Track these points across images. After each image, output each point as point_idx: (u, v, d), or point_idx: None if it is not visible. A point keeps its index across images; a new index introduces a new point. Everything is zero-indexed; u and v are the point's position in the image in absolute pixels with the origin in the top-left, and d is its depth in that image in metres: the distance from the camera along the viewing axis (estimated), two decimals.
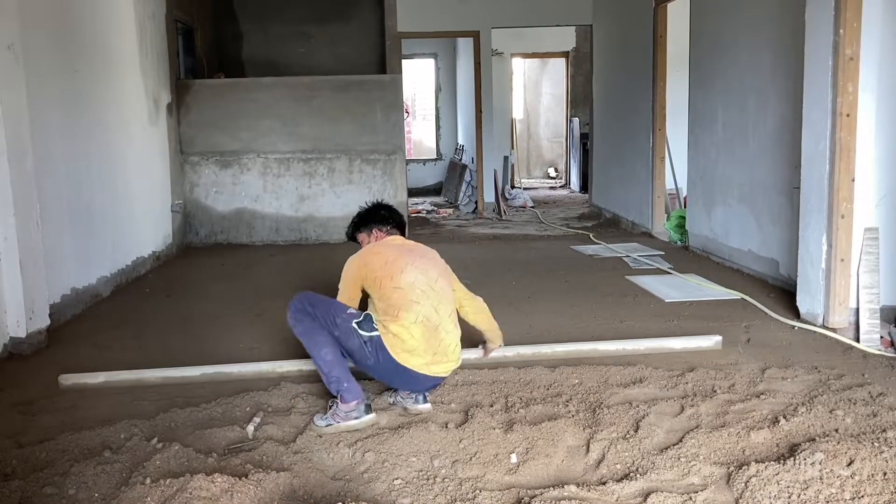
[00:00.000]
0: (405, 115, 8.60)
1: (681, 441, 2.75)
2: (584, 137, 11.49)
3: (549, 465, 2.64)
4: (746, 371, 3.52)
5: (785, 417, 2.90)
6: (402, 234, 3.49)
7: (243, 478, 2.46)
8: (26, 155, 4.14)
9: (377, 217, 3.46)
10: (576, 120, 12.76)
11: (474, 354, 3.71)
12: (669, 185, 7.93)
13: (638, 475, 2.51)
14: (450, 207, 10.87)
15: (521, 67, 14.79)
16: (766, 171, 5.32)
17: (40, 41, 4.63)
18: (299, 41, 9.42)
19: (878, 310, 4.03)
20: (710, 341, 3.91)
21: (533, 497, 2.36)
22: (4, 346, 4.03)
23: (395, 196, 7.90)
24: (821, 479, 2.40)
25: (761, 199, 5.42)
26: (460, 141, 12.95)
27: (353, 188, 7.86)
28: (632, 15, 7.96)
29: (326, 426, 2.93)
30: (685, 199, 7.22)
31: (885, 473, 2.42)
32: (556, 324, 4.43)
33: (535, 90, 15.29)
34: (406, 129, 10.19)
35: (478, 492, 2.46)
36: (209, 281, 6.07)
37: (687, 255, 6.51)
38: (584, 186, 11.72)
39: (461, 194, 10.83)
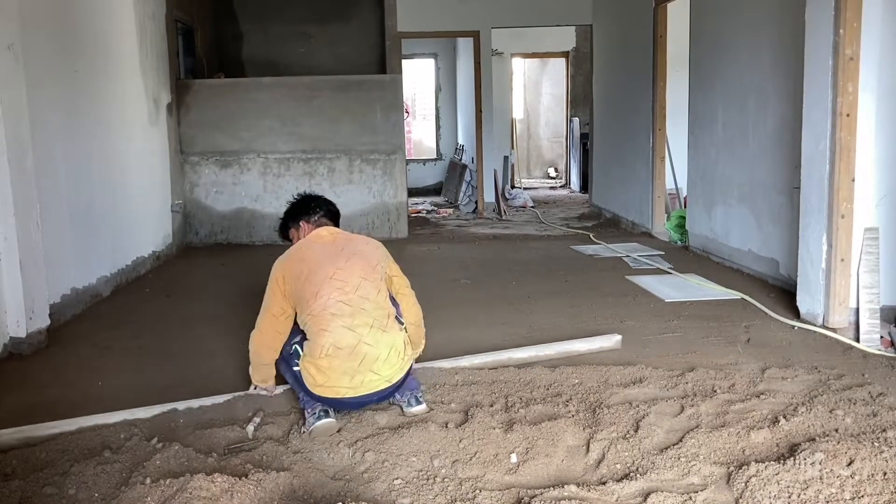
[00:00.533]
0: (405, 115, 8.60)
1: (681, 441, 2.74)
2: (584, 137, 11.49)
3: (549, 465, 2.64)
4: (746, 371, 3.52)
5: (785, 417, 2.90)
6: (335, 222, 3.35)
7: (243, 478, 2.46)
8: (26, 155, 4.14)
9: (303, 209, 3.32)
10: (576, 120, 12.76)
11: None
12: (669, 185, 7.93)
13: (638, 475, 2.51)
14: (450, 207, 10.87)
15: (521, 67, 14.79)
16: (766, 171, 5.32)
17: (40, 41, 4.63)
18: (299, 41, 9.42)
19: (878, 310, 4.03)
20: (611, 341, 3.93)
21: (533, 497, 2.36)
22: (4, 346, 4.03)
23: (395, 196, 7.91)
24: (821, 479, 2.40)
25: (761, 199, 5.42)
26: (460, 141, 12.95)
27: (353, 188, 7.86)
28: (632, 15, 7.96)
29: (303, 433, 2.93)
30: (685, 199, 7.22)
31: (885, 473, 2.42)
32: (556, 323, 4.43)
33: (535, 90, 15.30)
34: (406, 129, 10.19)
35: (478, 492, 2.45)
36: (209, 281, 6.07)
37: (687, 255, 6.51)
38: (584, 186, 11.72)
39: (461, 194, 10.83)
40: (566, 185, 13.67)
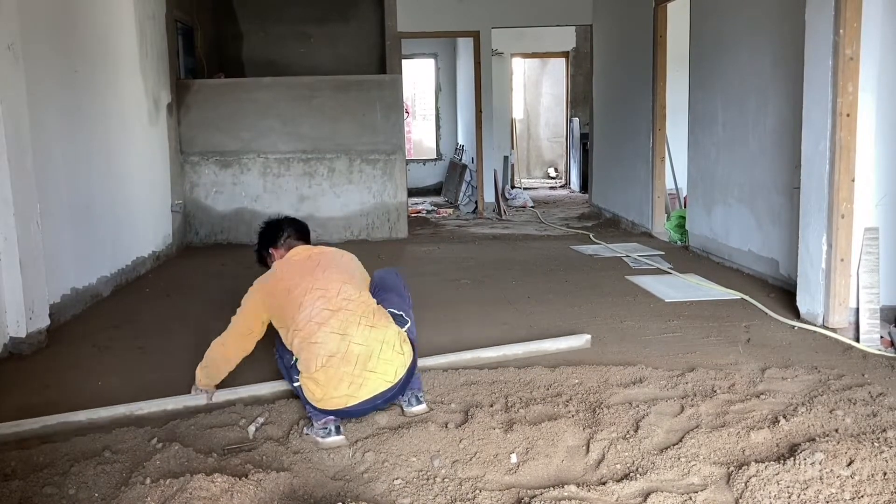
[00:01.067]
0: (405, 115, 8.60)
1: (681, 441, 2.75)
2: (584, 137, 11.49)
3: (549, 465, 2.64)
4: (746, 371, 3.52)
5: (785, 417, 2.90)
6: (304, 238, 3.38)
7: (243, 478, 2.46)
8: (26, 155, 4.14)
9: (268, 238, 3.38)
10: (576, 120, 12.76)
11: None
12: (669, 185, 7.93)
13: (638, 475, 2.51)
14: (450, 207, 10.87)
15: (521, 67, 14.79)
16: (766, 171, 5.32)
17: (40, 41, 4.63)
18: (299, 41, 9.42)
19: (878, 310, 4.03)
20: (581, 340, 3.95)
21: (533, 497, 2.36)
22: (4, 346, 4.03)
23: (395, 196, 7.91)
24: (821, 479, 2.40)
25: (761, 199, 5.42)
26: (460, 141, 12.95)
27: (353, 188, 7.87)
28: (632, 15, 7.96)
29: (306, 435, 2.91)
30: (685, 199, 7.22)
31: (885, 473, 2.42)
32: (556, 324, 4.42)
33: (535, 90, 15.30)
34: (406, 129, 10.19)
35: (478, 492, 2.45)
36: (209, 281, 6.07)
37: (687, 255, 6.51)
38: (584, 186, 11.72)
39: (461, 194, 10.83)
40: (566, 185, 13.67)
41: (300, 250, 3.25)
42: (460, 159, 12.06)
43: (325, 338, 2.91)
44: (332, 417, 2.89)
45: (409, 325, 3.16)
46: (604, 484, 2.46)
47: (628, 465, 2.61)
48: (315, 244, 3.39)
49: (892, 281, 4.17)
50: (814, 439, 2.68)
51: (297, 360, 2.99)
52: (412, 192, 11.47)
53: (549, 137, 15.19)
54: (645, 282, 5.47)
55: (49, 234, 4.50)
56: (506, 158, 11.61)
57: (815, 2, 4.09)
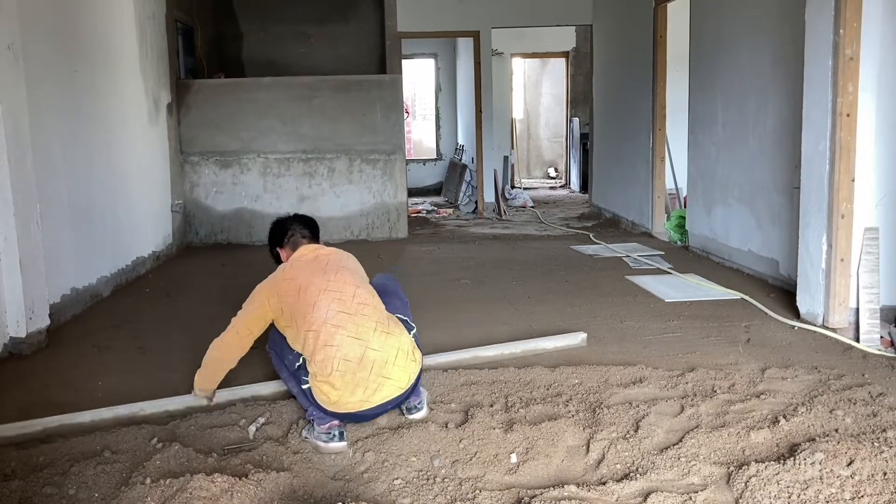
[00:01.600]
0: (405, 115, 8.60)
1: (681, 441, 2.75)
2: (584, 137, 11.49)
3: (549, 465, 2.64)
4: (746, 371, 3.52)
5: (785, 417, 2.90)
6: (313, 232, 3.35)
7: (243, 478, 2.47)
8: (26, 155, 4.14)
9: (275, 238, 3.34)
10: (576, 120, 12.76)
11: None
12: (669, 185, 7.93)
13: (638, 475, 2.51)
14: (450, 207, 10.87)
15: (521, 67, 14.79)
16: (766, 171, 5.32)
17: (40, 41, 4.63)
18: (299, 41, 9.42)
19: (878, 310, 4.03)
20: (577, 339, 3.98)
21: (533, 497, 2.36)
22: (4, 346, 4.03)
23: (395, 196, 7.91)
24: (821, 479, 2.40)
25: (761, 199, 5.42)
26: (460, 141, 12.95)
27: (353, 188, 7.87)
28: (632, 15, 7.96)
29: (305, 438, 2.90)
30: (685, 199, 7.22)
31: (885, 473, 2.42)
32: (556, 324, 4.42)
33: (535, 90, 15.29)
34: (406, 129, 10.19)
35: (478, 492, 2.46)
36: (209, 281, 6.07)
37: (687, 255, 6.52)
38: (584, 186, 11.72)
39: (461, 194, 10.83)
40: (566, 185, 13.67)
41: (306, 250, 3.22)
42: (460, 159, 12.06)
43: (343, 341, 2.88)
44: (336, 422, 2.87)
45: (414, 330, 3.17)
46: (604, 484, 2.47)
47: (628, 465, 2.61)
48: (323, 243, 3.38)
49: (892, 281, 4.17)
50: (814, 439, 2.69)
51: (304, 362, 2.96)
52: (412, 192, 11.47)
53: (549, 137, 15.19)
54: (645, 282, 5.48)
55: (49, 233, 4.50)
56: (506, 158, 11.61)
57: (815, 2, 4.08)
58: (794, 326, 4.26)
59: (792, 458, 2.51)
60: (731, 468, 2.53)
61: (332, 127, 7.79)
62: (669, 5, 7.15)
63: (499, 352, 3.80)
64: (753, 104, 5.47)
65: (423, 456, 2.71)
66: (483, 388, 3.36)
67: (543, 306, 4.86)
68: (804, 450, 2.56)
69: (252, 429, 2.95)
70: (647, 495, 2.37)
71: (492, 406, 3.13)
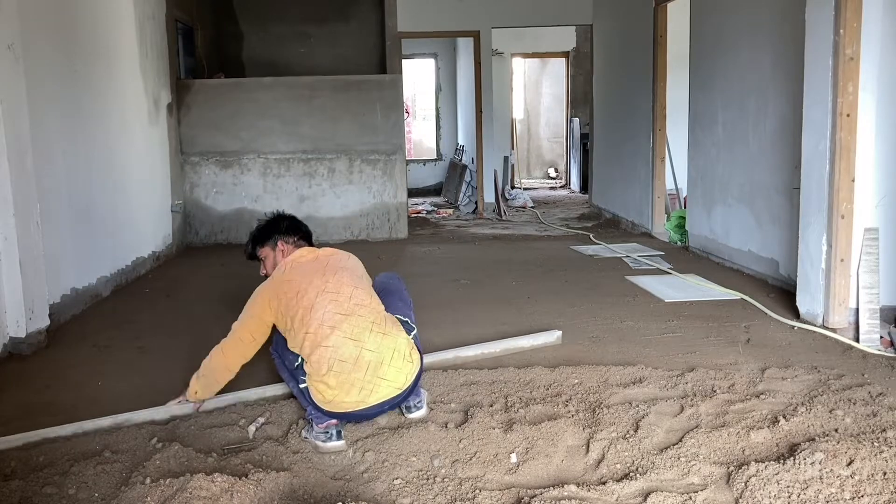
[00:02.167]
0: (405, 115, 8.61)
1: (681, 441, 2.75)
2: (584, 137, 11.49)
3: (548, 465, 2.64)
4: (746, 371, 3.52)
5: (785, 417, 2.90)
6: (310, 243, 3.33)
7: (243, 477, 2.47)
8: (26, 155, 4.14)
9: (281, 228, 3.29)
10: (576, 120, 12.76)
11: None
12: (669, 185, 7.93)
13: (638, 475, 2.51)
14: (450, 207, 10.88)
15: (521, 67, 14.79)
16: (766, 171, 5.32)
17: (40, 41, 4.63)
18: (299, 41, 9.43)
19: (877, 310, 4.03)
20: (552, 336, 4.02)
21: (533, 497, 2.36)
22: (4, 347, 4.03)
23: (395, 196, 7.91)
24: (821, 478, 2.40)
25: (761, 199, 5.42)
26: (460, 141, 12.95)
27: (353, 188, 7.87)
28: (632, 15, 7.97)
29: (304, 438, 2.90)
30: (685, 199, 7.22)
31: (885, 473, 2.42)
32: (556, 324, 4.42)
33: (535, 90, 15.30)
34: (406, 129, 10.19)
35: (478, 492, 2.46)
36: (209, 281, 6.07)
37: (687, 256, 6.52)
38: (584, 187, 11.72)
39: (461, 194, 10.83)
40: (566, 185, 13.67)
41: (306, 252, 3.22)
42: (460, 159, 12.07)
43: (337, 342, 2.88)
44: (334, 422, 2.87)
45: (415, 331, 3.16)
46: (604, 484, 2.47)
47: (628, 464, 2.61)
48: (316, 245, 3.37)
49: (892, 281, 4.17)
50: (814, 439, 2.69)
51: (302, 361, 2.96)
52: (412, 193, 11.47)
53: (549, 137, 15.19)
54: (645, 282, 5.48)
55: (49, 234, 4.50)
56: (506, 158, 11.61)
57: (815, 2, 4.09)
58: (793, 326, 4.26)
59: (792, 458, 2.51)
60: (731, 468, 2.53)
61: (332, 127, 7.79)
62: (669, 5, 7.16)
63: (479, 351, 3.82)
64: (753, 104, 5.47)
65: (422, 456, 2.71)
66: (483, 387, 3.36)
67: (543, 306, 4.86)
68: (804, 450, 2.56)
69: (252, 429, 2.95)
70: (646, 495, 2.37)
71: (491, 406, 3.13)
